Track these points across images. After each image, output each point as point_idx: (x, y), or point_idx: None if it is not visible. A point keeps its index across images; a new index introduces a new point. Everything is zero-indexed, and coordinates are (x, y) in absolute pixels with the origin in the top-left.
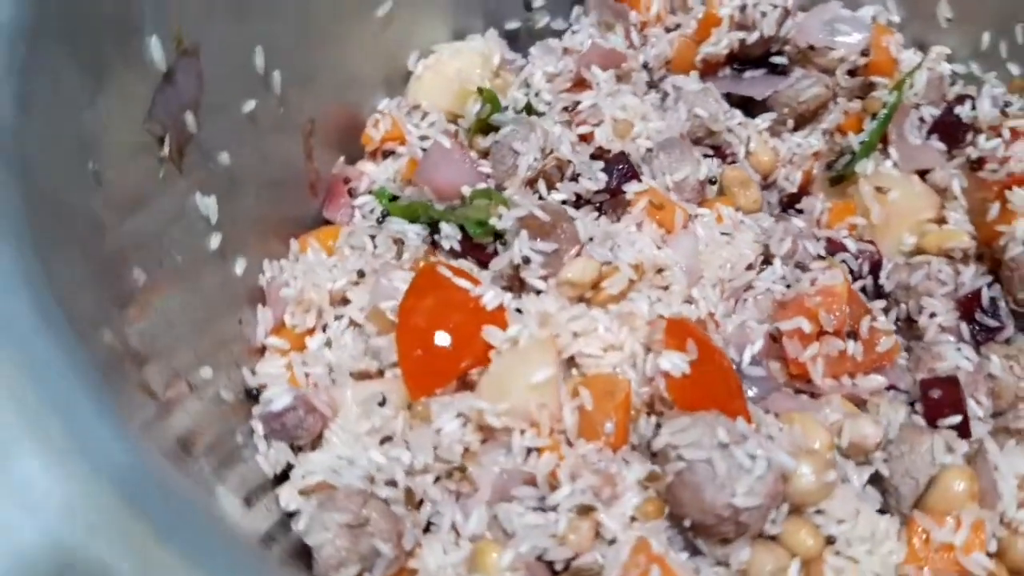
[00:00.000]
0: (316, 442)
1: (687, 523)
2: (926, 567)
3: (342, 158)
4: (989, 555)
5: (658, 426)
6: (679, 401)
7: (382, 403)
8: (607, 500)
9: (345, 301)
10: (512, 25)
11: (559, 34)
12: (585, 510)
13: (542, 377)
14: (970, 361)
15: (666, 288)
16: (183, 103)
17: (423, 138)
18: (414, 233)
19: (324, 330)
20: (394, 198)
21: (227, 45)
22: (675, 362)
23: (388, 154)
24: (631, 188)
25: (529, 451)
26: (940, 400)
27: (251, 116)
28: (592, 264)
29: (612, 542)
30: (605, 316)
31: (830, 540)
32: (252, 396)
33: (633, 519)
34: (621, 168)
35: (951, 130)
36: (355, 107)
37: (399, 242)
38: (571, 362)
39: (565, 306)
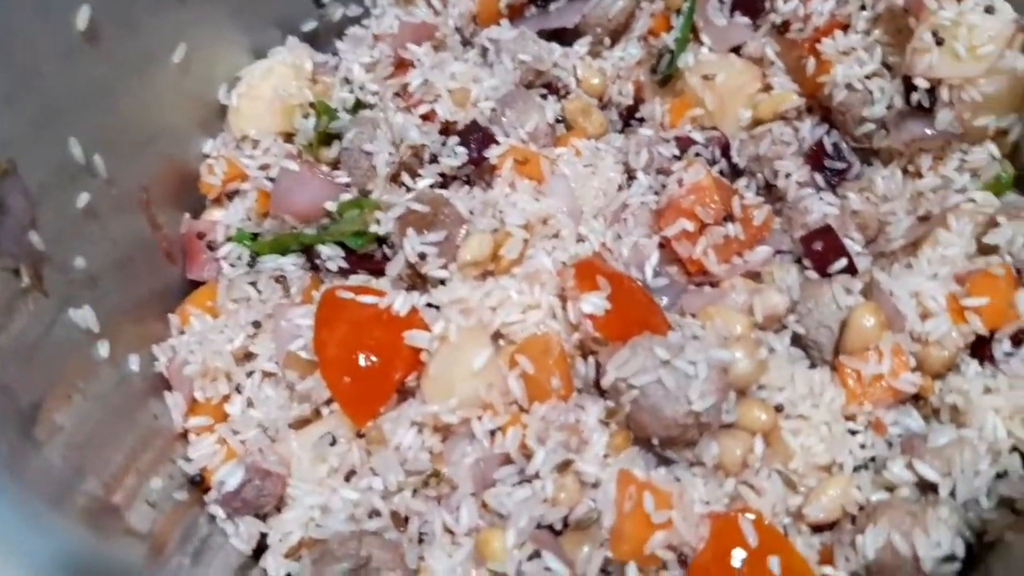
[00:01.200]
0: (280, 503)
1: (655, 441)
2: (866, 401)
3: (187, 215)
4: (912, 371)
5: (598, 364)
6: (610, 336)
7: (333, 443)
8: (578, 449)
9: (250, 356)
10: (309, 26)
11: (357, 21)
12: (564, 466)
13: (482, 361)
14: (833, 205)
15: (557, 235)
16: (23, 225)
17: (264, 167)
18: (292, 265)
19: (240, 391)
20: (255, 236)
21: (41, 149)
22: (594, 302)
23: (233, 195)
24: (492, 153)
25: (493, 433)
26: (823, 250)
27: (88, 209)
28: (486, 238)
29: (596, 485)
30: (513, 281)
31: (779, 408)
32: (196, 483)
33: (606, 456)
34: (476, 136)
35: (750, 3)
36: (182, 160)
37: (281, 280)
38: (497, 335)
39: (474, 285)
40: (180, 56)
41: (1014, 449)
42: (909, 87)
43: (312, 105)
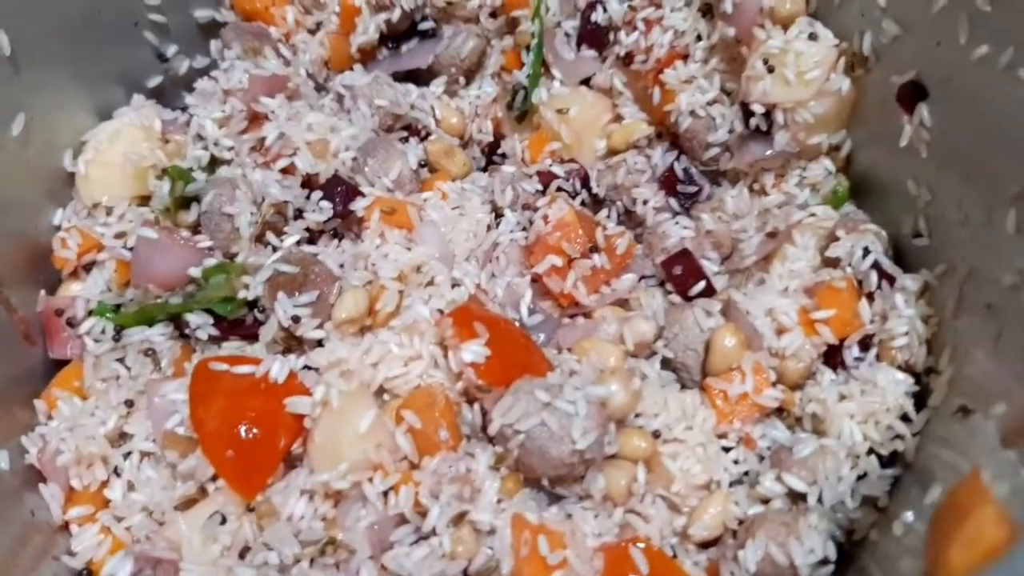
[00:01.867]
0: None
1: (544, 482)
2: (735, 419)
3: (42, 292)
4: (774, 385)
5: (483, 411)
6: (492, 382)
7: (223, 521)
8: (471, 498)
9: (125, 436)
10: (154, 82)
11: (205, 72)
12: (459, 518)
13: (367, 423)
14: (689, 228)
15: (431, 282)
16: None
17: (120, 236)
18: (160, 336)
19: (119, 475)
20: (118, 308)
21: None
22: (475, 350)
23: (90, 267)
24: (358, 205)
25: (385, 493)
26: (683, 274)
27: None
28: (360, 293)
29: (492, 532)
30: (392, 334)
31: (656, 434)
32: None
33: (499, 501)
34: (340, 189)
35: (595, 36)
36: (32, 234)
37: (150, 352)
38: (381, 390)
39: (353, 343)
40: (19, 128)
41: (870, 451)
42: (747, 112)
43: (164, 171)
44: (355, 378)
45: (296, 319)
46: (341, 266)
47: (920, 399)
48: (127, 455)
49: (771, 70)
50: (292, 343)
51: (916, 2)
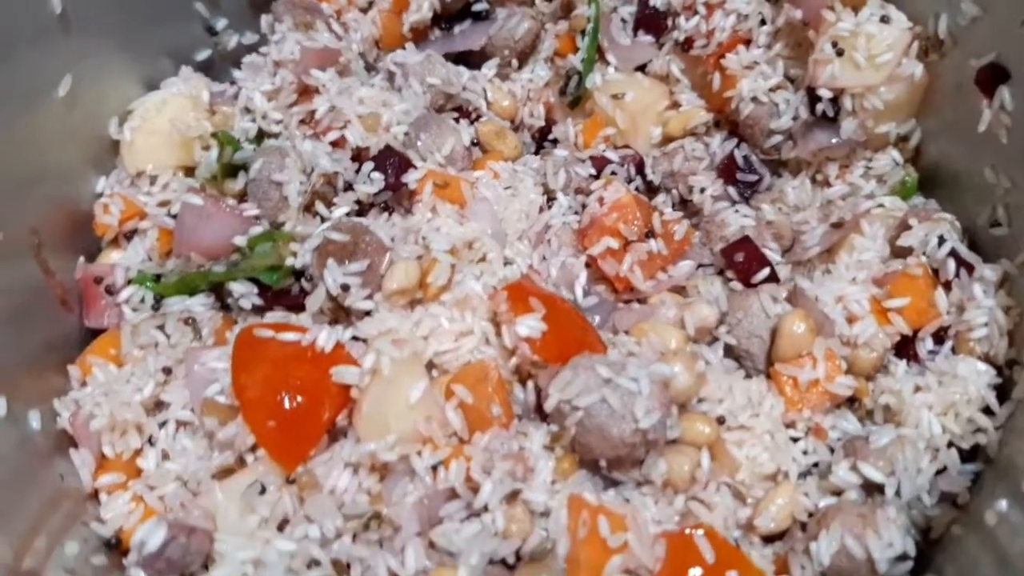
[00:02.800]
0: (208, 561)
1: (602, 463)
2: (804, 408)
3: (81, 258)
4: (846, 373)
5: (537, 389)
6: (549, 358)
7: (262, 491)
8: (524, 477)
9: (162, 405)
10: (203, 56)
11: (253, 48)
12: (512, 496)
13: (418, 394)
14: (749, 217)
15: (483, 259)
16: None
17: (163, 204)
18: (201, 306)
19: (152, 444)
20: (158, 277)
21: None
22: (531, 325)
23: (131, 235)
24: (410, 178)
25: (434, 468)
26: (745, 260)
27: None
28: (412, 265)
29: (546, 513)
30: (443, 309)
31: (720, 420)
32: (113, 546)
33: (554, 483)
34: (392, 161)
35: (652, 21)
36: (74, 200)
37: (190, 322)
38: (430, 365)
39: (402, 316)
40: (66, 89)
41: (951, 444)
42: (813, 98)
43: (214, 135)
44: (407, 346)
45: (345, 288)
46: (392, 240)
47: (1002, 392)
48: (162, 424)
49: (840, 53)
50: (339, 314)
51: None
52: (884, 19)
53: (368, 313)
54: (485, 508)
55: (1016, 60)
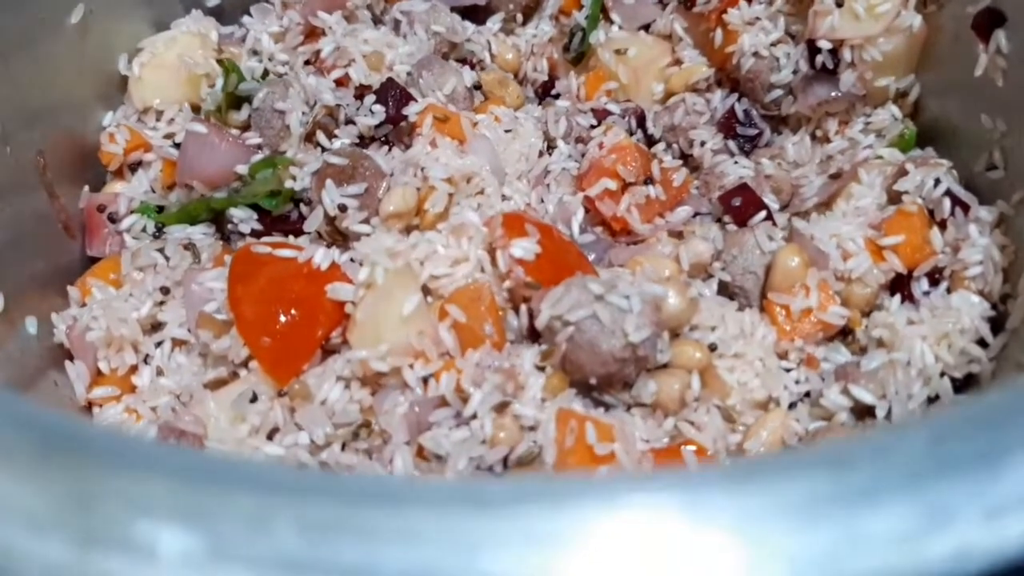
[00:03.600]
0: None
1: (592, 381)
2: (796, 337)
3: (86, 187)
4: (839, 305)
5: (530, 311)
6: (542, 280)
7: (253, 399)
8: (514, 393)
9: (158, 326)
10: (213, 2)
11: None
12: (502, 407)
13: (412, 306)
14: (748, 168)
15: (481, 192)
16: None
17: (168, 136)
18: (201, 234)
19: (147, 363)
20: (161, 209)
21: None
22: (525, 247)
23: (135, 167)
24: (411, 110)
25: (425, 380)
26: (742, 205)
27: None
28: (410, 190)
29: (534, 428)
30: (439, 236)
31: (712, 347)
32: None
33: (543, 400)
34: (394, 94)
35: None
36: (80, 132)
37: (190, 247)
38: (425, 290)
39: (399, 239)
40: (78, 17)
41: (943, 374)
42: (813, 50)
43: (219, 62)
44: (401, 258)
45: (343, 208)
46: (391, 172)
47: (996, 326)
48: (158, 344)
49: (840, 4)
50: (336, 238)
51: None
52: None
53: (366, 236)
54: (474, 416)
55: (1012, 3)
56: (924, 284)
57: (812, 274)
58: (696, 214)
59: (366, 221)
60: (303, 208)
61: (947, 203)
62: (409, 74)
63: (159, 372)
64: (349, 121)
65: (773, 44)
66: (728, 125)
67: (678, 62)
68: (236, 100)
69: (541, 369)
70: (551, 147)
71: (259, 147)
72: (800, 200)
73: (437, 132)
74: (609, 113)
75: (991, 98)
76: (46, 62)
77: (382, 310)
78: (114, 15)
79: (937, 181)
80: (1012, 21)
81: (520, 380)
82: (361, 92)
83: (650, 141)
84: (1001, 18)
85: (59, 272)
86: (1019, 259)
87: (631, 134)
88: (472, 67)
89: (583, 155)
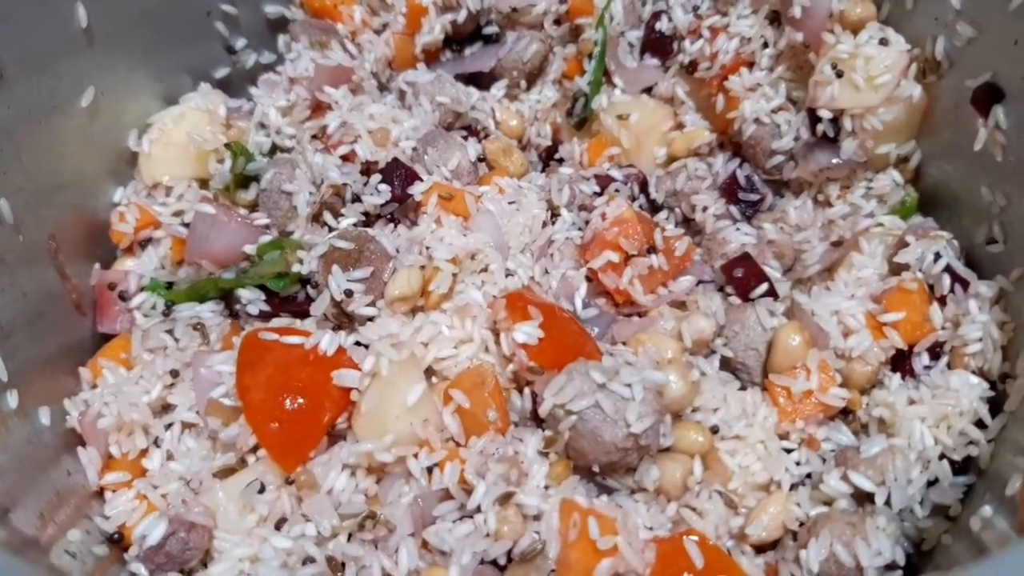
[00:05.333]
0: (207, 556)
1: (595, 468)
2: (798, 419)
3: (97, 265)
4: (840, 386)
5: (534, 396)
6: (545, 364)
7: (261, 490)
8: (518, 481)
9: (168, 408)
10: (221, 73)
11: (271, 67)
12: (505, 498)
13: (416, 396)
14: (750, 235)
15: (485, 270)
16: None
17: (177, 214)
18: (210, 312)
19: (158, 445)
20: (170, 285)
21: None
22: (528, 331)
23: (145, 243)
24: (416, 189)
25: (430, 470)
26: (744, 276)
27: None
28: (414, 272)
29: (538, 517)
30: (444, 316)
31: (714, 430)
32: (116, 541)
33: (547, 487)
34: (399, 173)
35: (658, 45)
36: (91, 209)
37: (199, 327)
38: (430, 372)
39: (404, 322)
40: (88, 100)
41: (942, 456)
42: (814, 119)
43: (227, 146)
44: (406, 348)
45: (349, 293)
46: (397, 250)
47: (995, 406)
48: (168, 426)
49: (840, 75)
50: (343, 320)
51: (992, 2)
52: (883, 41)
53: (371, 319)
54: (478, 509)
55: (1010, 79)
56: (925, 359)
57: (813, 354)
58: (699, 282)
59: (372, 304)
60: (310, 290)
61: (946, 279)
62: (415, 149)
63: (169, 456)
64: (356, 199)
65: (774, 111)
66: (730, 190)
67: (680, 126)
68: (244, 179)
69: (545, 455)
70: (555, 215)
71: (267, 227)
72: (803, 266)
73: (442, 210)
74: (612, 179)
75: (991, 171)
76: (58, 146)
77: (387, 401)
78: (124, 93)
79: (937, 256)
80: (1011, 97)
81: (524, 468)
82: (367, 168)
83: (653, 206)
84: (1000, 94)
85: (71, 351)
86: (1018, 337)
87: (633, 199)
88: (477, 135)
89: (587, 223)
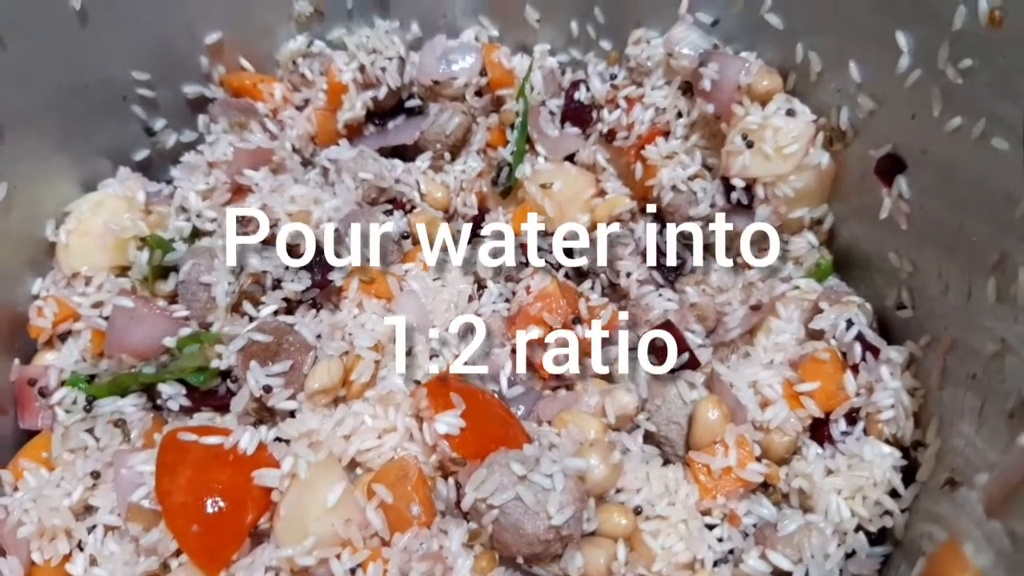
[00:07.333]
0: None
1: (520, 560)
2: (718, 495)
3: (16, 360)
4: (758, 460)
5: (458, 485)
6: (467, 455)
7: None
8: None
9: (91, 509)
10: (141, 155)
11: (192, 146)
12: None
13: (335, 497)
14: (672, 301)
15: (409, 353)
16: None
17: (96, 305)
18: (132, 407)
19: (81, 549)
20: (91, 378)
21: None
22: (449, 422)
23: (65, 336)
24: (337, 275)
25: (353, 571)
26: (666, 346)
27: None
28: (334, 363)
29: None
30: (367, 405)
31: (637, 511)
32: None
33: None
34: (318, 260)
35: (578, 114)
36: (10, 302)
37: (120, 423)
38: (353, 464)
39: (325, 414)
40: (1, 196)
41: (859, 528)
42: (728, 187)
43: (143, 239)
44: (324, 448)
45: (268, 389)
46: (318, 336)
47: (908, 473)
48: (91, 529)
49: (750, 145)
50: (264, 414)
51: (890, 77)
52: (790, 112)
53: (292, 413)
54: None
55: (911, 151)
56: (842, 425)
57: (730, 429)
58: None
59: (292, 397)
60: (231, 384)
61: (858, 348)
62: (337, 230)
63: (93, 561)
64: (276, 284)
65: (691, 178)
66: (652, 256)
67: (602, 192)
68: (163, 270)
69: (470, 547)
70: (481, 287)
71: (187, 319)
72: (724, 330)
73: (363, 294)
74: (537, 248)
75: (897, 238)
76: None
77: (306, 503)
78: (40, 182)
79: (849, 323)
80: (912, 168)
81: (448, 563)
82: (291, 251)
83: (578, 272)
84: (902, 164)
85: None
86: (928, 403)
87: (557, 268)
88: (403, 208)
89: (514, 293)
